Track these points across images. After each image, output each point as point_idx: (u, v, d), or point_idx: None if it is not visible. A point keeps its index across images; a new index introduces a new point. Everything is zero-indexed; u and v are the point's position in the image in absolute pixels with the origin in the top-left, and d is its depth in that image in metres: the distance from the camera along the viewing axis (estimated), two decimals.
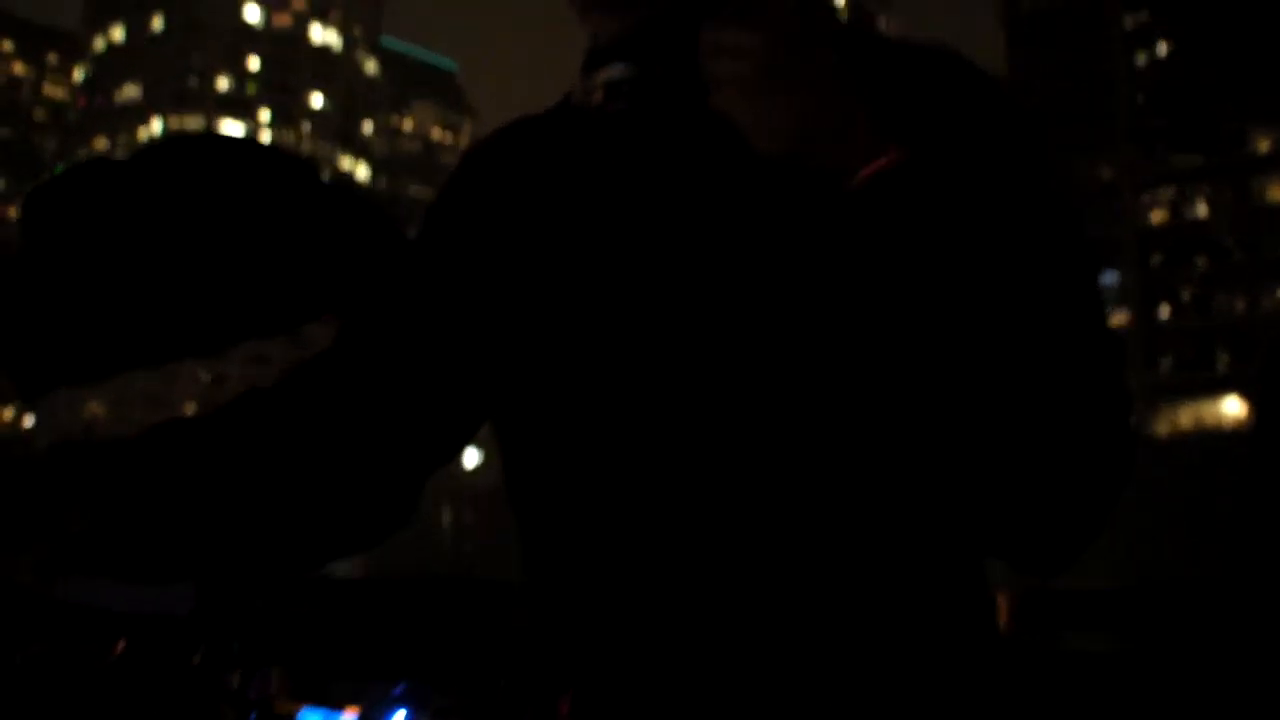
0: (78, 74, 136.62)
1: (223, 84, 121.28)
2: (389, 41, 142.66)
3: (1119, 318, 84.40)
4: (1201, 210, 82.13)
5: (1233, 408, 73.65)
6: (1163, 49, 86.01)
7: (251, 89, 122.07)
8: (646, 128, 1.29)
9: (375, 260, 1.18)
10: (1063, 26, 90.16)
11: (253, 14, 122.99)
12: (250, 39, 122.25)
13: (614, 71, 1.29)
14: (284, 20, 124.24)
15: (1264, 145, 79.55)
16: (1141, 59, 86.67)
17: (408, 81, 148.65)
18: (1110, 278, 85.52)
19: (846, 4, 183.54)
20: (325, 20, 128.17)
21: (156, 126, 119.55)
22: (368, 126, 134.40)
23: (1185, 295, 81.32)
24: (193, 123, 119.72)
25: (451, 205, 1.43)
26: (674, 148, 1.27)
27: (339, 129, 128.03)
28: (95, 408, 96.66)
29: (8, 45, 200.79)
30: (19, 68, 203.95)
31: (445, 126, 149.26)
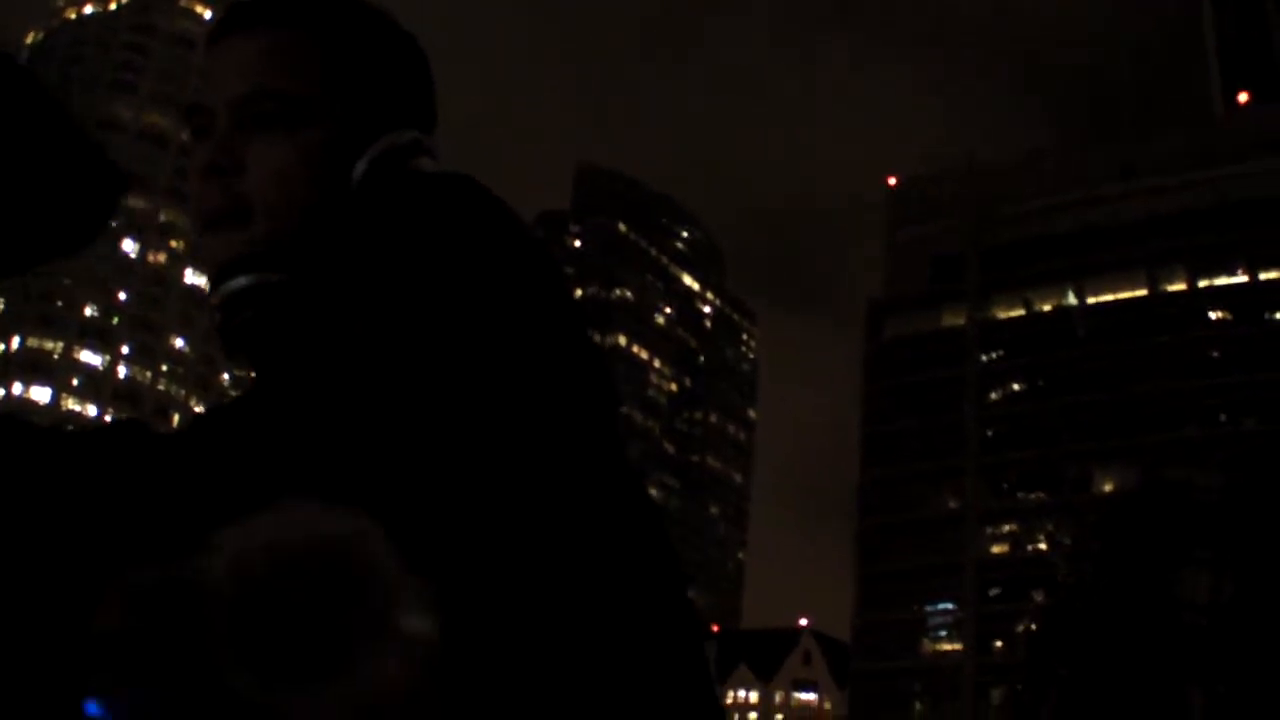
0: None
1: (88, 311, 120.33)
2: None
3: (951, 646, 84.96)
4: (1042, 546, 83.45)
5: None
6: (1015, 387, 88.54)
7: (115, 320, 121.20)
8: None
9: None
10: (920, 358, 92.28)
11: (129, 247, 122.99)
12: (122, 272, 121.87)
13: (236, 283, 1.31)
14: (159, 259, 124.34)
15: (1107, 486, 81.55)
16: (994, 395, 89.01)
17: None
18: (947, 607, 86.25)
19: (713, 313, 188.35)
20: (201, 264, 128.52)
21: (14, 343, 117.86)
22: (225, 375, 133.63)
23: (1020, 629, 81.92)
24: (51, 345, 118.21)
25: None
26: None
27: (196, 373, 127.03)
28: None
29: None
30: None
31: None
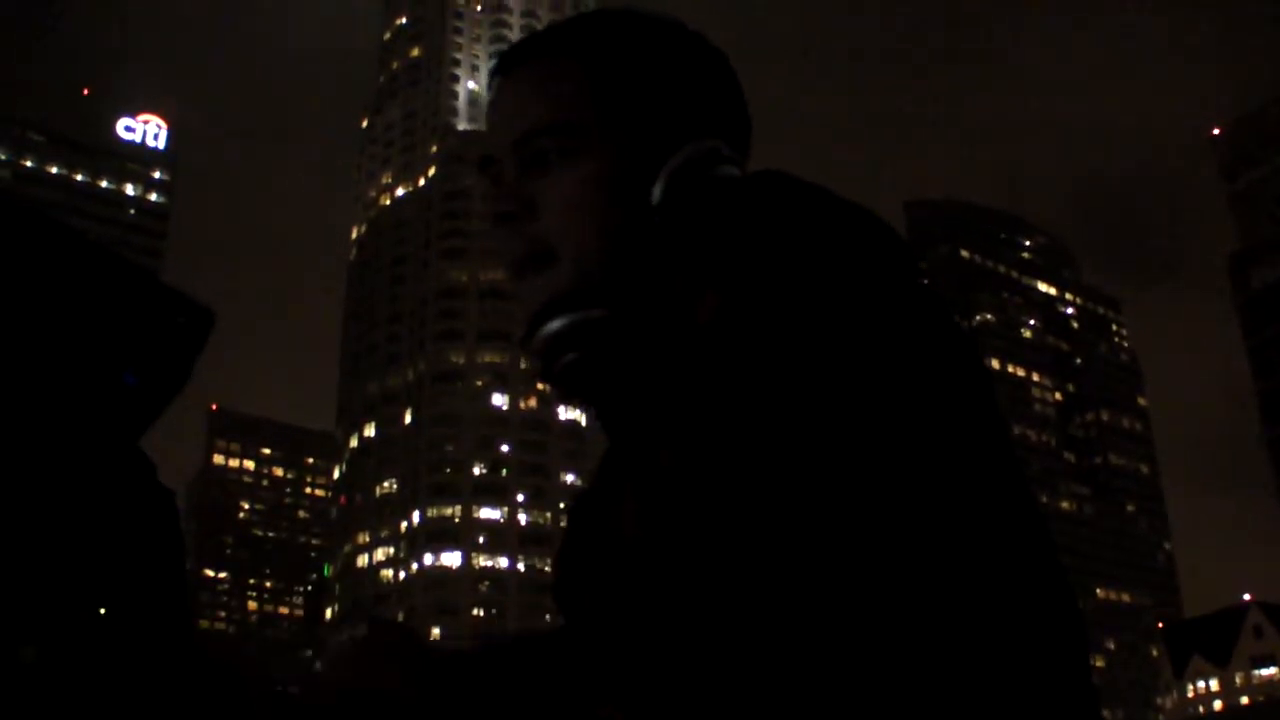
0: (335, 472, 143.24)
1: (477, 470, 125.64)
2: None
3: None
4: None
5: None
6: None
7: (505, 473, 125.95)
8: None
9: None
10: None
11: (499, 400, 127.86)
12: (500, 425, 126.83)
13: (552, 327, 1.28)
14: (530, 404, 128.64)
15: None
16: None
17: None
18: None
19: (1077, 312, 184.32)
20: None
21: (416, 517, 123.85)
22: None
23: None
24: (450, 511, 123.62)
25: None
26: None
27: None
28: None
29: (268, 450, 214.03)
30: (280, 471, 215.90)
31: None
